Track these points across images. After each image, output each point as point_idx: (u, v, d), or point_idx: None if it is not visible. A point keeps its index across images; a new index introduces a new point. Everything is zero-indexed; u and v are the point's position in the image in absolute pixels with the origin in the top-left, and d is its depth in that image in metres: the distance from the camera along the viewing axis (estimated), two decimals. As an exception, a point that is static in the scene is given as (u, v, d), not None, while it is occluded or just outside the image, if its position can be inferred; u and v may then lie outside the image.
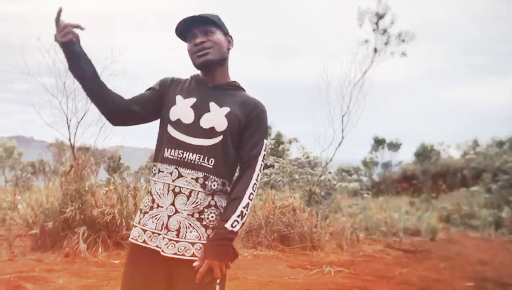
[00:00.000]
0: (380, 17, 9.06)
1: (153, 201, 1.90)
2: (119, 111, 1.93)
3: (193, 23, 1.92)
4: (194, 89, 1.97)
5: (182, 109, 1.91)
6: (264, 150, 1.90)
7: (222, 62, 1.97)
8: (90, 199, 6.11)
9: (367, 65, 9.24)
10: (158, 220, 1.87)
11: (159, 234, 1.85)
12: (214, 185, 1.85)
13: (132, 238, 1.92)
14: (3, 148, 11.80)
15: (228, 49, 2.01)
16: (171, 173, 1.86)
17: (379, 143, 28.04)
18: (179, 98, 1.94)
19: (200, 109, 1.89)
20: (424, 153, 25.64)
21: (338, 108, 9.70)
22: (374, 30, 9.17)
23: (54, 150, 14.81)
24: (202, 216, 1.84)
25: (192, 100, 1.92)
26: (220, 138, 1.86)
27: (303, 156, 12.95)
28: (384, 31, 9.21)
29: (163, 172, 1.88)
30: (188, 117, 1.88)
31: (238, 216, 1.77)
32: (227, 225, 1.75)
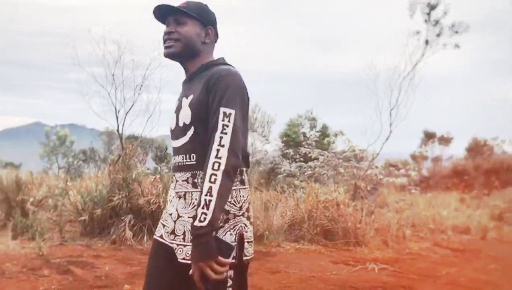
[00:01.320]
0: (432, 7, 8.72)
1: (168, 205, 1.89)
2: None
3: (168, 11, 1.83)
4: (181, 91, 1.92)
5: (171, 116, 1.87)
6: (224, 121, 1.64)
7: (192, 55, 1.85)
8: (136, 188, 6.25)
9: (418, 57, 8.95)
10: (168, 224, 1.84)
11: (171, 233, 1.81)
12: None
13: (155, 233, 1.91)
14: (56, 136, 12.28)
15: (204, 42, 1.86)
16: (173, 181, 1.84)
17: (429, 137, 27.20)
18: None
19: (178, 111, 1.82)
20: (477, 148, 24.69)
21: (386, 101, 9.43)
22: (425, 21, 8.84)
23: (104, 138, 15.27)
24: None
25: (176, 103, 1.88)
26: (191, 130, 1.75)
27: (348, 149, 12.76)
28: (436, 22, 8.86)
29: (173, 180, 1.88)
30: (172, 122, 1.85)
31: (202, 208, 1.57)
32: (196, 223, 1.57)
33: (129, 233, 5.84)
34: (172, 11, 1.81)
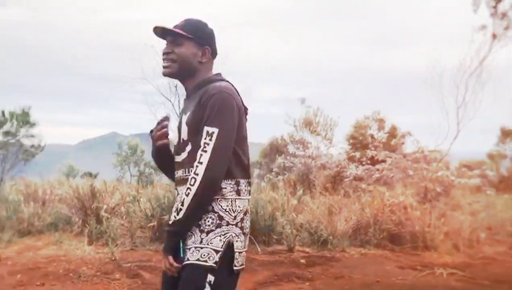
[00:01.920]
0: (498, 0, 8.27)
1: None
2: None
3: (164, 31, 1.90)
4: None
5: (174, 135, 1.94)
6: (206, 139, 1.73)
7: (188, 74, 1.92)
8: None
9: (485, 52, 8.51)
10: None
11: None
12: None
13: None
14: (128, 146, 12.90)
15: (200, 62, 1.91)
16: (176, 193, 1.92)
17: (506, 134, 25.75)
18: None
19: (179, 127, 1.90)
20: (562, 146, 23.01)
21: (452, 100, 9.05)
22: (492, 14, 8.39)
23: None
24: (200, 222, 1.78)
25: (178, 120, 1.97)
26: (189, 146, 1.83)
27: (418, 150, 12.36)
28: (504, 15, 8.39)
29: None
30: (176, 138, 1.92)
31: (175, 211, 1.79)
32: (170, 222, 1.81)
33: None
34: (168, 32, 1.89)
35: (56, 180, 10.25)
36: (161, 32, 1.91)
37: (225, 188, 1.79)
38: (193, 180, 1.70)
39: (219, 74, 1.96)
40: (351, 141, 15.01)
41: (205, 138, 1.72)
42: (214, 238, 1.76)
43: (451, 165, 12.11)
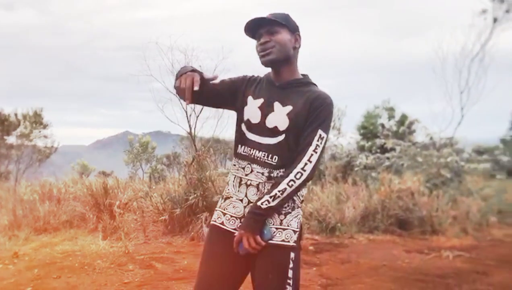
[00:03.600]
0: (498, -16, 8.27)
1: (231, 190, 2.10)
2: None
3: (260, 23, 2.01)
4: (264, 89, 2.08)
5: (251, 109, 2.05)
6: (318, 141, 1.93)
7: (287, 60, 2.04)
8: (210, 186, 6.56)
9: (487, 36, 8.52)
10: (236, 208, 2.06)
11: (237, 218, 2.04)
12: (279, 175, 1.98)
13: (213, 220, 2.14)
14: (139, 143, 13.10)
15: (295, 48, 2.06)
16: (243, 168, 2.04)
17: (518, 119, 25.47)
18: (250, 99, 2.07)
19: (266, 110, 2.01)
20: None
21: (456, 85, 9.09)
22: (491, -2, 8.40)
23: (186, 142, 15.96)
24: None
25: (260, 100, 2.04)
26: (283, 136, 1.98)
27: (426, 136, 12.37)
28: (504, -1, 8.39)
29: (236, 166, 2.08)
30: (256, 117, 2.02)
31: (270, 197, 1.90)
32: (258, 203, 1.91)
33: (206, 230, 6.15)
34: (264, 23, 2.01)
35: (70, 179, 10.44)
36: (256, 23, 2.01)
37: None
38: (299, 174, 1.90)
39: (308, 76, 2.13)
40: (362, 131, 15.04)
41: (318, 141, 1.94)
42: (292, 220, 2.00)
43: (463, 151, 12.11)
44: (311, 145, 1.93)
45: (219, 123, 7.63)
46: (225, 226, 2.07)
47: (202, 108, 7.56)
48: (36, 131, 12.27)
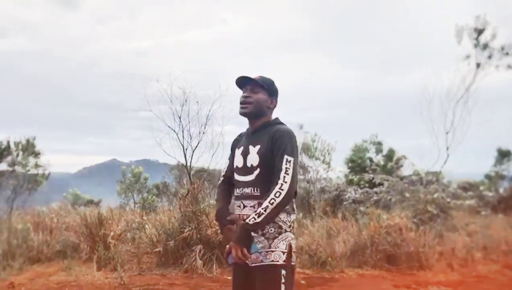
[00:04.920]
0: (480, 32, 8.70)
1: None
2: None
3: (247, 80, 2.53)
4: (244, 139, 2.62)
5: (236, 158, 2.58)
6: (287, 165, 2.32)
7: (260, 116, 2.55)
8: (205, 219, 6.70)
9: (470, 80, 8.95)
10: None
11: None
12: None
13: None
14: (132, 174, 13.22)
15: (269, 108, 2.57)
16: (239, 206, 2.51)
17: (503, 155, 25.97)
18: (237, 150, 2.59)
19: (245, 153, 2.51)
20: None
21: (441, 126, 9.50)
22: (475, 45, 8.82)
23: (176, 172, 16.03)
24: (264, 231, 2.37)
25: (241, 149, 2.56)
26: (257, 171, 2.44)
27: (413, 173, 12.63)
28: (486, 45, 8.82)
29: (235, 206, 2.54)
30: (240, 162, 2.53)
31: (256, 214, 2.26)
32: (247, 220, 2.27)
33: (199, 262, 6.26)
34: (250, 82, 2.52)
35: (62, 208, 10.48)
36: (243, 81, 2.54)
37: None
38: (278, 193, 2.27)
39: (278, 118, 2.61)
40: (350, 164, 15.27)
41: (286, 164, 2.33)
42: (279, 243, 2.39)
43: (449, 187, 12.37)
44: (281, 169, 2.32)
45: (213, 157, 7.80)
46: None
47: (198, 142, 7.75)
48: (30, 158, 12.34)
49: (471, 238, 8.66)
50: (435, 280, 6.21)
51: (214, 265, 6.29)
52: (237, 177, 2.56)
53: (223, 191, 2.71)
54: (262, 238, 2.39)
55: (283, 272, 2.36)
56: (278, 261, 2.36)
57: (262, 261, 2.37)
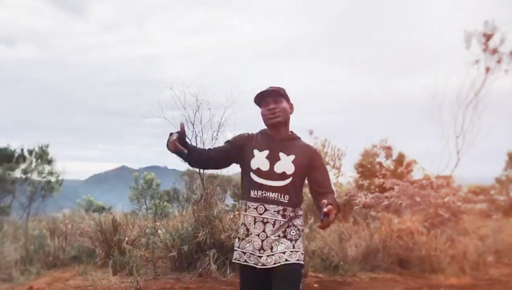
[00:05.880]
0: (488, 37, 8.76)
1: (247, 230, 2.62)
2: (203, 161, 2.83)
3: (267, 93, 2.71)
4: (266, 143, 2.72)
5: (259, 160, 2.64)
6: (328, 173, 2.72)
7: (286, 122, 2.75)
8: (218, 224, 6.80)
9: (480, 84, 9.01)
10: (253, 244, 2.58)
11: (254, 255, 2.58)
12: (291, 214, 2.58)
13: (235, 259, 2.69)
14: (144, 180, 13.37)
15: (291, 113, 2.77)
16: (256, 208, 2.59)
17: (513, 158, 25.81)
18: (256, 151, 2.66)
19: (272, 159, 2.63)
20: None
21: (451, 130, 9.55)
22: (484, 50, 8.88)
23: (186, 178, 16.15)
24: (286, 234, 2.55)
25: (266, 152, 2.65)
26: (290, 179, 2.60)
27: (424, 177, 12.64)
28: (495, 50, 8.88)
29: (250, 208, 2.61)
30: (265, 165, 2.63)
31: (334, 200, 2.53)
32: (334, 197, 2.57)
33: (213, 267, 6.35)
34: (273, 94, 2.71)
35: (76, 214, 10.64)
36: (268, 94, 2.71)
37: (301, 211, 2.69)
38: (335, 193, 2.63)
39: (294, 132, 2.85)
40: (359, 169, 15.29)
41: (327, 175, 2.70)
42: (300, 244, 2.60)
43: (461, 191, 12.36)
44: (328, 179, 2.71)
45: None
46: (247, 262, 2.61)
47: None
48: (41, 166, 12.52)
49: (482, 242, 8.66)
50: (447, 283, 6.27)
51: (228, 269, 6.38)
52: (256, 178, 2.62)
53: (202, 149, 2.87)
54: (284, 239, 2.56)
55: (302, 270, 2.58)
56: (301, 261, 2.56)
57: (287, 260, 2.51)
